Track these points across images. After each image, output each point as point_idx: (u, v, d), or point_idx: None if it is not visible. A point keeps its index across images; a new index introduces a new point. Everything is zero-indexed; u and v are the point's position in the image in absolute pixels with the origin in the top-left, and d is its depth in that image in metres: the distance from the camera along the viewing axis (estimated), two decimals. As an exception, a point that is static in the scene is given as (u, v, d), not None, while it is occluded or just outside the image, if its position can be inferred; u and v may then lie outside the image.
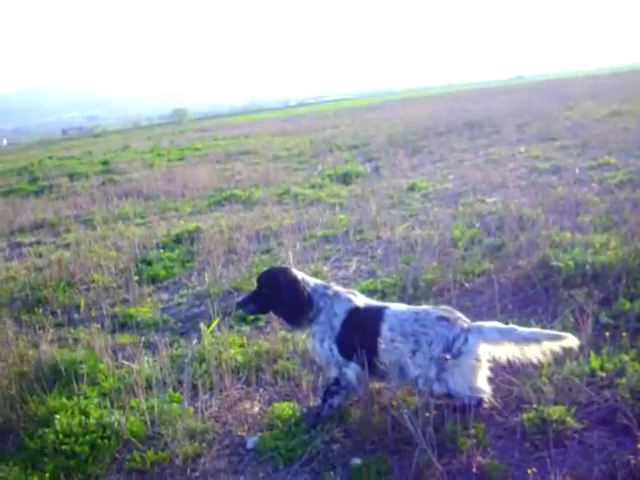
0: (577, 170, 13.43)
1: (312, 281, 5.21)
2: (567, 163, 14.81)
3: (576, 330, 5.28)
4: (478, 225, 9.77)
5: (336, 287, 5.23)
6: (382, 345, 4.83)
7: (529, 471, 3.92)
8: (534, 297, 6.83)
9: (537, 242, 7.97)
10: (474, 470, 4.18)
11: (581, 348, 4.98)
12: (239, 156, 26.81)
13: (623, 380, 4.83)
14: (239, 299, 5.38)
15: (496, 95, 57.24)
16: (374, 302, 5.33)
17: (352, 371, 4.91)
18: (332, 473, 4.31)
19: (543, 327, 5.39)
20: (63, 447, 4.64)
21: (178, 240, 11.58)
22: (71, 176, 25.09)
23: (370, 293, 6.28)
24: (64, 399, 5.43)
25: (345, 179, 17.17)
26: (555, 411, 4.51)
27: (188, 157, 29.58)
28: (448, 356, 4.62)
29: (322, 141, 28.83)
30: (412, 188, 14.50)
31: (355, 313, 5.01)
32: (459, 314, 4.98)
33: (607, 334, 5.45)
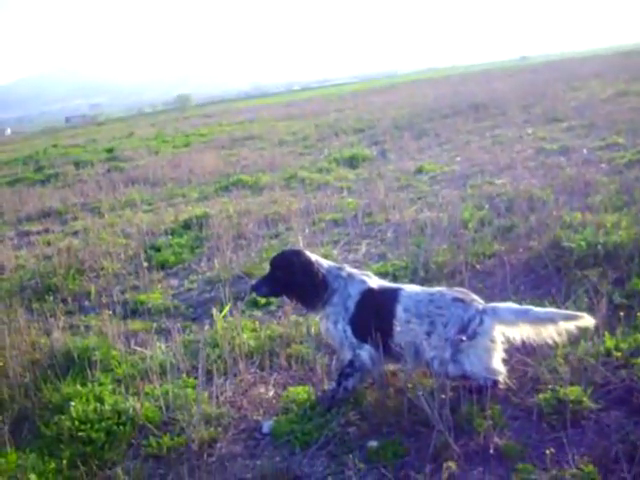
0: (585, 151, 13.36)
1: (325, 263, 5.20)
2: (575, 144, 14.72)
3: (590, 310, 5.25)
4: (487, 207, 9.72)
5: (349, 269, 5.21)
6: (397, 327, 4.82)
7: (547, 452, 3.91)
8: (546, 278, 6.80)
9: (548, 223, 7.93)
10: (491, 451, 4.16)
11: (596, 328, 4.97)
12: (244, 141, 26.75)
13: (639, 360, 4.82)
14: (253, 283, 5.36)
15: (500, 77, 56.89)
16: (388, 284, 5.31)
17: (366, 353, 4.89)
18: (349, 456, 4.29)
19: (557, 308, 5.35)
20: (79, 434, 4.63)
21: (186, 226, 11.56)
22: (76, 164, 25.05)
23: (381, 276, 6.21)
24: (78, 386, 5.43)
25: (352, 162, 17.12)
26: (572, 391, 4.49)
27: (193, 143, 29.52)
28: (464, 337, 4.60)
29: (327, 125, 28.73)
30: (419, 170, 14.46)
31: (369, 294, 4.99)
32: (474, 296, 4.97)
33: (621, 314, 5.41)
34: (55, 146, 39.35)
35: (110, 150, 29.91)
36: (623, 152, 12.94)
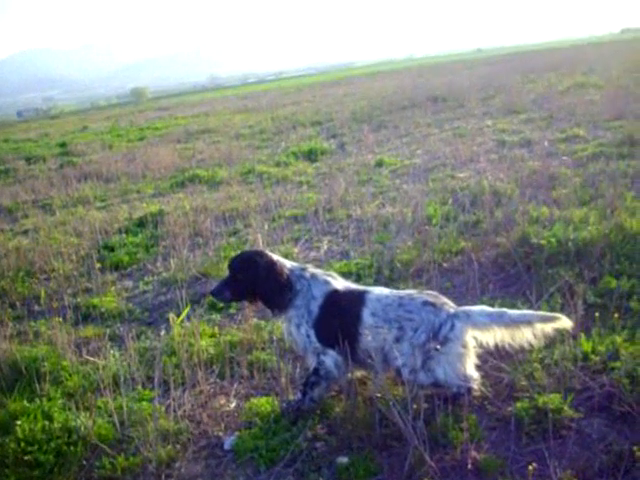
0: (546, 143, 13.25)
1: (288, 263, 4.91)
2: (535, 136, 14.65)
3: (564, 310, 5.07)
4: (451, 201, 9.53)
5: (313, 269, 4.93)
6: (363, 331, 4.55)
7: (529, 467, 3.68)
8: (516, 276, 6.62)
9: (514, 218, 7.75)
10: (469, 466, 3.93)
11: (570, 331, 4.74)
12: (200, 135, 26.28)
13: (618, 364, 4.62)
14: (213, 288, 5.02)
15: (458, 69, 57.09)
16: (354, 285, 5.03)
17: (331, 359, 4.63)
18: (318, 474, 4.03)
19: (530, 308, 5.14)
20: (25, 457, 4.25)
21: (141, 224, 11.19)
22: (28, 159, 24.31)
23: (344, 275, 5.94)
24: (25, 402, 5.04)
25: (310, 156, 16.84)
26: (551, 400, 4.27)
27: (148, 137, 28.92)
28: (438, 346, 4.34)
29: (284, 118, 28.38)
30: (380, 164, 14.23)
31: (334, 296, 4.72)
32: (445, 299, 4.72)
33: (596, 314, 5.21)
34: (6, 141, 38.37)
35: (63, 145, 29.16)
36: (584, 144, 12.90)
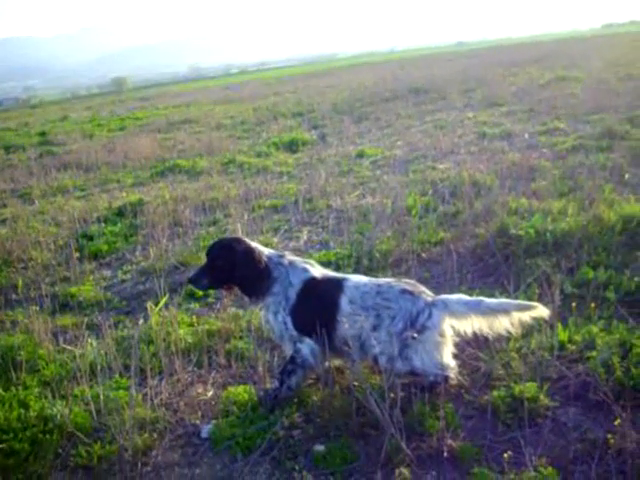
0: (526, 135, 13.34)
1: (266, 250, 4.90)
2: (516, 128, 14.71)
3: (541, 300, 5.06)
4: (431, 192, 9.55)
5: (291, 256, 4.91)
6: (341, 319, 4.54)
7: (505, 455, 3.70)
8: (494, 266, 6.64)
9: (494, 209, 7.78)
10: (445, 454, 3.95)
11: (547, 319, 4.76)
12: (181, 125, 26.11)
13: (594, 353, 4.66)
14: (190, 275, 4.98)
15: (439, 61, 57.14)
16: (332, 273, 5.02)
17: (307, 347, 4.61)
18: (294, 462, 4.03)
19: (507, 297, 5.15)
20: (0, 445, 4.20)
21: (120, 213, 11.11)
22: (7, 148, 24.06)
23: (323, 265, 5.91)
24: (1, 390, 4.98)
25: (291, 147, 16.81)
26: (527, 388, 4.30)
27: (129, 127, 28.70)
28: (415, 334, 4.34)
29: (265, 109, 28.27)
30: (360, 155, 14.24)
31: (312, 284, 4.70)
32: (423, 287, 4.72)
33: (573, 304, 5.24)
34: (-16, 130, 38.01)
35: (43, 134, 28.89)
36: (564, 137, 12.98)
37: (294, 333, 4.64)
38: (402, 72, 44.68)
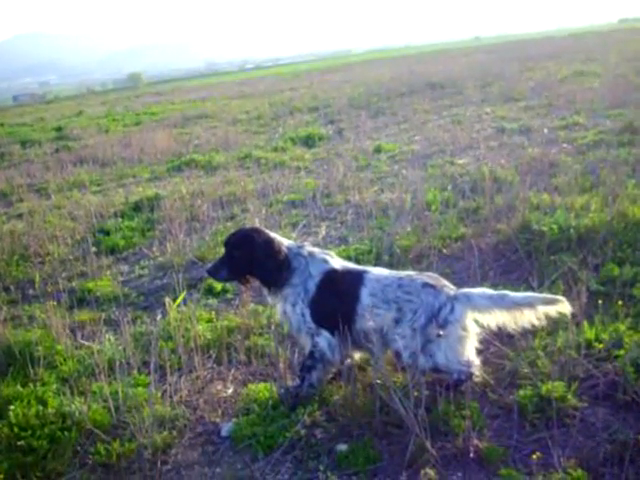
0: (546, 130, 13.17)
1: (285, 241, 4.82)
2: (535, 123, 14.59)
3: (566, 297, 4.95)
4: (451, 187, 9.45)
5: (311, 247, 4.82)
6: (361, 312, 4.46)
7: (533, 456, 3.60)
8: (517, 262, 6.54)
9: (515, 205, 7.66)
10: (471, 455, 3.85)
11: (573, 317, 4.65)
12: (197, 120, 26.10)
13: (622, 352, 4.54)
14: (209, 266, 4.91)
15: (455, 57, 56.85)
16: (353, 265, 4.93)
17: (324, 340, 4.53)
18: (317, 462, 3.95)
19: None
20: (19, 442, 4.13)
21: (137, 208, 11.08)
22: (23, 143, 24.08)
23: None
24: (19, 386, 4.94)
25: (308, 142, 16.73)
26: (555, 387, 4.19)
27: (144, 122, 28.71)
28: (441, 332, 4.24)
29: (281, 104, 28.22)
30: (378, 150, 14.14)
31: (332, 275, 4.61)
32: (445, 281, 4.62)
33: (599, 302, 5.13)
34: (1, 125, 38.09)
35: (59, 129, 28.94)
36: (584, 132, 12.86)
37: (312, 325, 4.56)
38: (418, 67, 44.46)
